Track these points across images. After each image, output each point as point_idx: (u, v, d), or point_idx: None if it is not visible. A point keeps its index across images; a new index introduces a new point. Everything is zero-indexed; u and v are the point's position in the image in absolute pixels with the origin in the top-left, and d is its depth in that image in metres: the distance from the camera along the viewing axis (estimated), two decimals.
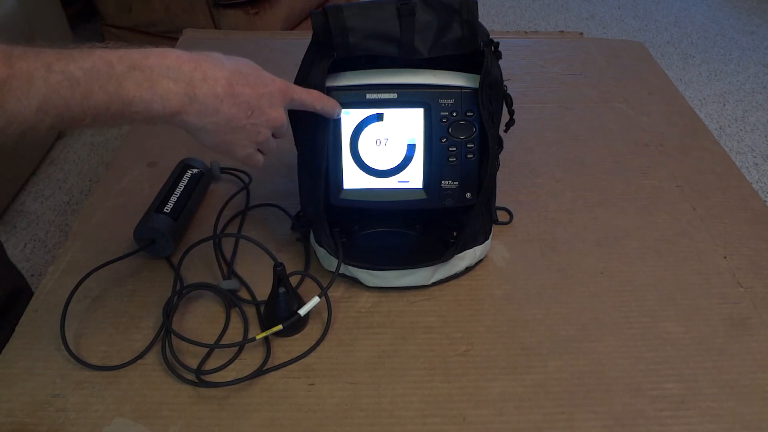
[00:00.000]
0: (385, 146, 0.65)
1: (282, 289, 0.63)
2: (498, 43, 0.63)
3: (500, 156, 0.69)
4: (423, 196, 0.67)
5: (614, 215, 0.80)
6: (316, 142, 0.63)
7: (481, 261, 0.73)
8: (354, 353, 0.63)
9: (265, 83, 0.55)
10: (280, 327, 0.61)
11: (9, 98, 0.43)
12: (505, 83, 0.64)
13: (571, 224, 0.79)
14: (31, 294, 0.69)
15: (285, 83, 0.57)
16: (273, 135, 0.59)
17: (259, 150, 0.59)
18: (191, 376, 0.60)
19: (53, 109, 0.45)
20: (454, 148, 0.64)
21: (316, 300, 0.63)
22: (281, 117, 0.57)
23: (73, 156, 1.98)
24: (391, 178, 0.66)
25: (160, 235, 0.71)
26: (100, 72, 0.47)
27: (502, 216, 0.79)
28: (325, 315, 0.66)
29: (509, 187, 0.83)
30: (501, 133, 0.67)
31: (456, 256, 0.68)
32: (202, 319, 0.66)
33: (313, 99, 0.59)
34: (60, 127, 0.46)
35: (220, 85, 0.51)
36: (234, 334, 0.65)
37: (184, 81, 0.50)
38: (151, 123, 0.51)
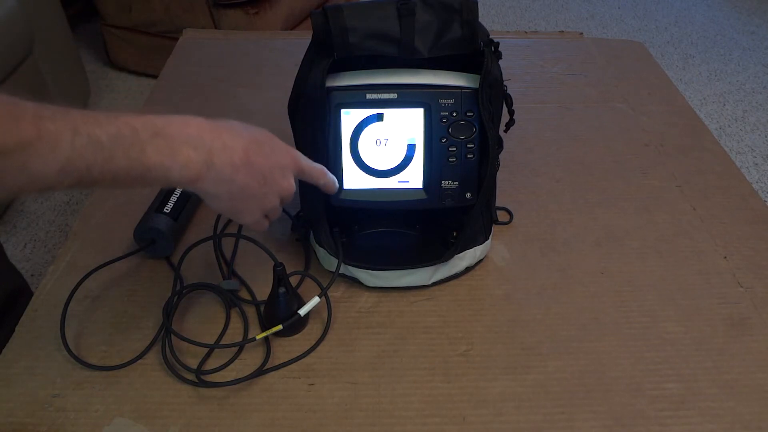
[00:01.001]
0: (385, 146, 0.65)
1: (282, 289, 0.63)
2: (498, 43, 0.63)
3: (500, 156, 0.69)
4: (423, 196, 0.67)
5: (614, 215, 0.80)
6: (316, 143, 0.63)
7: (481, 261, 0.73)
8: (354, 353, 0.63)
9: (278, 154, 0.56)
10: (280, 327, 0.61)
11: (34, 159, 0.43)
12: (505, 83, 0.64)
13: (571, 224, 0.79)
14: (31, 294, 0.69)
15: (296, 155, 0.58)
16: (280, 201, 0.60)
17: (265, 215, 0.60)
18: (191, 376, 0.60)
19: (75, 172, 0.45)
20: (454, 148, 0.64)
21: (316, 300, 0.64)
22: (291, 187, 0.58)
23: None
24: (391, 178, 0.66)
25: (160, 235, 0.71)
26: (125, 138, 0.47)
27: (502, 216, 0.79)
28: (325, 315, 0.66)
29: (509, 187, 0.83)
30: (501, 133, 0.67)
31: (456, 256, 0.68)
32: (202, 319, 0.66)
33: (318, 174, 0.61)
34: (78, 187, 0.47)
35: (237, 155, 0.52)
36: (234, 334, 0.65)
37: (204, 150, 0.51)
38: (167, 187, 0.51)
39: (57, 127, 0.44)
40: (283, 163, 0.57)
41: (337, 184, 0.63)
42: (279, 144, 0.57)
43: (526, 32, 1.26)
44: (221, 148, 0.51)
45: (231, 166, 0.52)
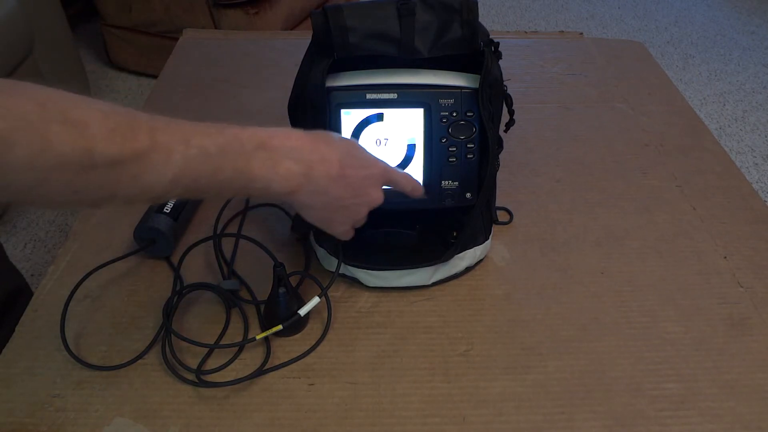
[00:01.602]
0: (385, 146, 0.65)
1: (282, 289, 0.63)
2: (498, 43, 0.63)
3: (500, 156, 0.69)
4: (423, 196, 0.66)
5: (614, 215, 0.80)
6: None
7: (481, 261, 0.73)
8: (354, 353, 0.63)
9: (369, 165, 0.57)
10: (280, 327, 0.61)
11: (148, 170, 0.44)
12: (505, 83, 0.64)
13: (571, 224, 0.79)
14: (31, 294, 0.69)
15: (385, 165, 0.59)
16: None
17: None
18: (191, 376, 0.60)
19: (184, 182, 0.46)
20: (454, 148, 0.64)
21: (316, 300, 0.64)
22: (380, 198, 0.59)
23: None
24: None
25: (160, 235, 0.71)
26: (232, 149, 0.49)
27: (502, 216, 0.79)
28: (325, 315, 0.66)
29: (509, 187, 0.83)
30: (501, 133, 0.67)
31: (456, 256, 0.68)
32: (202, 319, 0.66)
33: (405, 181, 0.62)
34: (184, 197, 0.49)
35: (333, 167, 0.53)
36: (234, 334, 0.65)
37: (304, 162, 0.52)
38: (266, 199, 0.51)
39: (170, 139, 0.45)
40: (374, 174, 0.57)
41: (422, 188, 0.64)
42: (369, 155, 0.58)
43: (526, 32, 1.26)
44: (319, 161, 0.53)
45: (327, 178, 0.53)
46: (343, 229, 0.60)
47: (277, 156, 0.51)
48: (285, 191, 0.52)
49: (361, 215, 0.59)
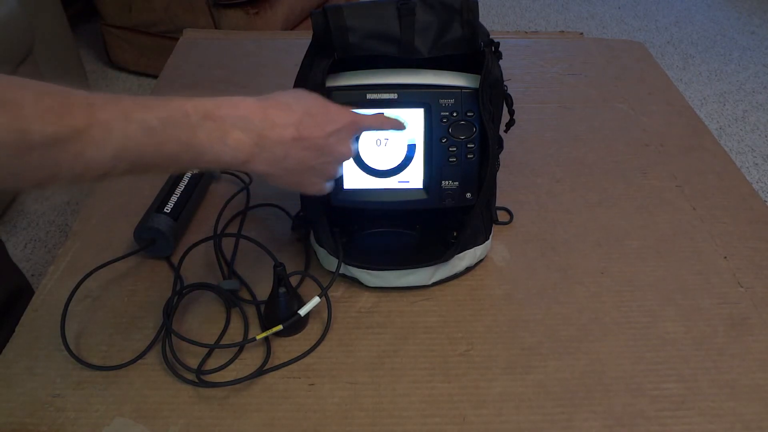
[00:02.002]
0: (386, 146, 0.65)
1: (282, 289, 0.63)
2: (498, 43, 0.63)
3: (500, 156, 0.69)
4: (423, 196, 0.67)
5: (614, 215, 0.80)
6: None
7: (481, 261, 0.73)
8: (354, 353, 0.63)
9: (333, 120, 0.56)
10: (280, 327, 0.61)
11: (88, 147, 0.44)
12: (505, 83, 0.64)
13: (571, 224, 0.79)
14: (33, 294, 0.69)
15: (352, 116, 0.57)
16: None
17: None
18: (191, 376, 0.60)
19: (128, 157, 0.46)
20: (455, 148, 0.64)
21: (316, 300, 0.64)
22: (349, 151, 0.58)
23: None
24: (391, 178, 0.66)
25: (160, 235, 0.71)
26: (176, 122, 0.48)
27: (502, 216, 0.79)
28: (325, 315, 0.66)
29: (509, 187, 0.83)
30: (501, 133, 0.67)
31: (456, 256, 0.68)
32: (202, 319, 0.66)
33: (381, 123, 0.61)
34: (132, 173, 0.48)
35: (288, 132, 0.52)
36: (234, 334, 0.65)
37: (254, 131, 0.51)
38: (220, 170, 0.51)
39: (109, 115, 0.45)
40: (339, 129, 0.56)
41: (404, 122, 0.62)
42: (333, 109, 0.56)
43: (526, 32, 1.26)
44: (271, 127, 0.52)
45: (282, 144, 0.52)
46: (315, 188, 0.59)
47: (224, 126, 0.50)
48: (237, 162, 0.51)
49: (331, 173, 0.58)
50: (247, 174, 0.85)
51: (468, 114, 0.63)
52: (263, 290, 0.67)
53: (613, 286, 0.71)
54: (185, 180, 0.78)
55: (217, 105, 0.50)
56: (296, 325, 0.64)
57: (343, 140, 0.57)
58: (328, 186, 0.60)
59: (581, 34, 1.24)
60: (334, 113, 0.56)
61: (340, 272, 0.66)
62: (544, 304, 0.69)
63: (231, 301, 0.67)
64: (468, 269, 0.72)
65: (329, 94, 0.62)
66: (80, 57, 2.11)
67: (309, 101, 0.55)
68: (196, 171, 0.78)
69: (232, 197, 0.81)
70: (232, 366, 0.62)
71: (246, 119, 0.51)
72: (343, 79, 0.63)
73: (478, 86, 0.61)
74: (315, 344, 0.64)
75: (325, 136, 0.55)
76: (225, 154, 0.50)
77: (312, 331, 0.66)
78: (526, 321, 0.67)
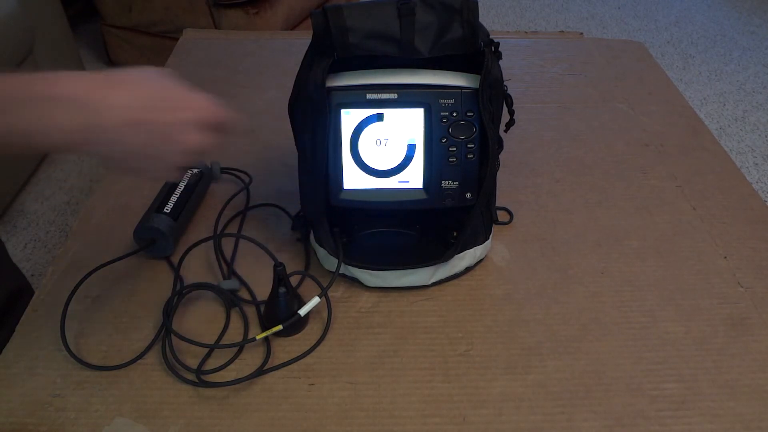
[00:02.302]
0: (385, 146, 0.65)
1: (282, 289, 0.63)
2: (498, 43, 0.63)
3: (500, 156, 0.69)
4: (423, 196, 0.66)
5: (614, 215, 0.80)
6: (315, 143, 0.63)
7: (481, 261, 0.73)
8: (354, 353, 0.63)
9: (179, 109, 0.51)
10: (280, 327, 0.61)
11: None
12: (505, 83, 0.64)
13: (571, 224, 0.79)
14: (33, 294, 0.69)
15: (209, 106, 0.54)
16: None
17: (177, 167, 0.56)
18: (191, 376, 0.60)
19: None
20: (454, 148, 0.64)
21: (316, 300, 0.64)
22: (196, 143, 0.53)
23: (73, 156, 1.98)
24: (391, 178, 0.66)
25: (160, 235, 0.71)
26: (1, 100, 0.44)
27: (502, 216, 0.79)
28: (325, 315, 0.66)
29: (509, 187, 0.83)
30: (501, 133, 0.67)
31: (456, 256, 0.68)
32: (202, 319, 0.66)
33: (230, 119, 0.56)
34: None
35: (129, 114, 0.48)
36: (234, 334, 0.65)
37: (88, 112, 0.47)
38: (56, 153, 0.49)
39: None
40: (185, 118, 0.52)
41: (232, 116, 0.57)
42: (188, 96, 0.53)
43: (526, 32, 1.26)
44: (107, 108, 0.47)
45: (121, 127, 0.48)
46: (158, 175, 0.55)
47: (54, 107, 0.46)
48: (72, 144, 0.48)
49: (178, 161, 0.53)
50: (247, 174, 0.85)
51: (468, 114, 0.63)
52: (263, 290, 0.67)
53: (612, 286, 0.71)
54: (185, 180, 0.78)
55: (51, 83, 0.46)
56: (296, 325, 0.64)
57: (188, 131, 0.52)
58: (176, 175, 0.56)
59: (581, 34, 1.24)
60: (189, 100, 0.52)
61: (340, 272, 0.66)
62: (543, 304, 0.69)
63: (231, 301, 0.67)
64: (468, 269, 0.72)
65: (329, 93, 0.62)
66: (80, 57, 2.11)
67: (161, 83, 0.52)
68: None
69: (232, 197, 0.81)
70: (232, 366, 0.62)
71: (80, 99, 0.47)
72: (343, 79, 0.63)
73: (478, 86, 0.61)
74: (315, 344, 0.64)
75: (169, 123, 0.50)
76: (54, 137, 0.46)
77: (312, 331, 0.66)
78: (525, 321, 0.67)
